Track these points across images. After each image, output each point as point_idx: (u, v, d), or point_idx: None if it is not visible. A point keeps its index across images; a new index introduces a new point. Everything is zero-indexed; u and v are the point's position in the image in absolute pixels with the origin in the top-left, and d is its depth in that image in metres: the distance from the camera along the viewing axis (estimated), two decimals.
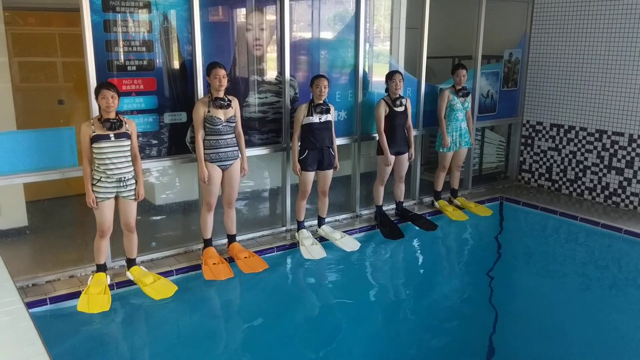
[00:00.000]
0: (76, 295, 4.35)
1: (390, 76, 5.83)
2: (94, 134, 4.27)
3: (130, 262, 4.70)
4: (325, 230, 5.71)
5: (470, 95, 6.49)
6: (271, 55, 5.57)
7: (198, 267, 4.95)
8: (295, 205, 5.64)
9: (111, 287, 4.51)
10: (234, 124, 4.91)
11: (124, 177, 4.39)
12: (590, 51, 6.84)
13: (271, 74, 5.61)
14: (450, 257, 6.23)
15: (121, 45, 4.68)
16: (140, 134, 4.83)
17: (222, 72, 4.74)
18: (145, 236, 5.04)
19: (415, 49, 6.64)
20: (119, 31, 4.64)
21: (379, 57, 6.61)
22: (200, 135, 4.82)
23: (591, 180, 7.04)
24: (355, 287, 5.29)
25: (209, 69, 4.80)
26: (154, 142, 4.98)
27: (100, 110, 4.33)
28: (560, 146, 7.31)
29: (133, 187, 4.47)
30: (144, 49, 4.79)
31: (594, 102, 6.88)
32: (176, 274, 4.87)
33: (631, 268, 5.58)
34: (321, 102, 5.32)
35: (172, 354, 4.07)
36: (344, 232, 5.78)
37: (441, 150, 6.47)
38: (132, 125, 4.50)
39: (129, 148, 4.41)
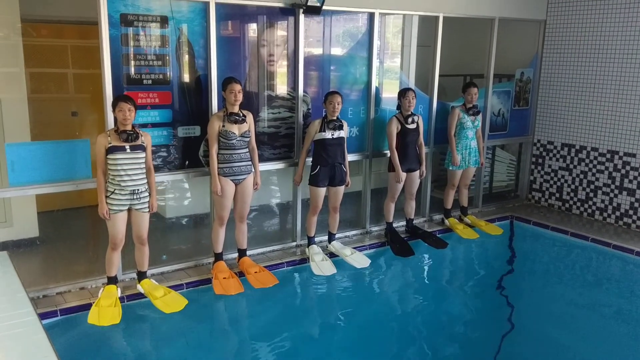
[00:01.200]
0: (87, 307, 4.34)
1: (404, 93, 5.85)
2: (109, 145, 4.30)
3: (141, 275, 4.70)
4: (335, 246, 5.70)
5: (480, 113, 6.50)
6: (285, 70, 5.61)
7: (208, 281, 4.94)
8: (306, 221, 5.63)
9: (122, 299, 4.51)
10: (248, 139, 4.93)
11: (138, 190, 4.40)
12: (602, 72, 6.85)
13: (284, 89, 5.64)
14: (460, 275, 6.19)
15: (138, 59, 4.72)
16: (154, 147, 4.84)
17: (237, 87, 4.77)
18: (156, 249, 5.03)
19: (427, 66, 6.67)
20: (135, 45, 4.69)
21: (391, 74, 6.65)
22: (214, 149, 4.84)
23: (602, 201, 7.01)
24: (365, 303, 5.26)
25: (225, 83, 4.84)
26: (168, 155, 5.00)
27: (116, 122, 4.36)
28: (571, 166, 7.30)
29: (146, 199, 4.49)
30: (160, 62, 4.83)
31: (606, 123, 6.87)
32: (186, 288, 4.86)
33: None
34: (334, 118, 5.34)
35: None
36: (354, 248, 5.77)
37: (450, 168, 6.47)
38: (148, 137, 4.53)
39: (143, 160, 4.43)
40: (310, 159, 5.46)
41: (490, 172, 7.76)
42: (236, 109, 4.83)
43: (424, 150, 6.14)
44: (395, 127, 5.83)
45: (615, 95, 6.75)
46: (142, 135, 4.44)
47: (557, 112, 7.37)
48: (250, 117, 4.96)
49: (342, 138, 5.43)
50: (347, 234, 6.21)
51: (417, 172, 6.04)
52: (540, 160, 7.65)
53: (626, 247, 6.05)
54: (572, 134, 7.25)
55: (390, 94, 6.39)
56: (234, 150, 4.86)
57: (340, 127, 5.38)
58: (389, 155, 5.99)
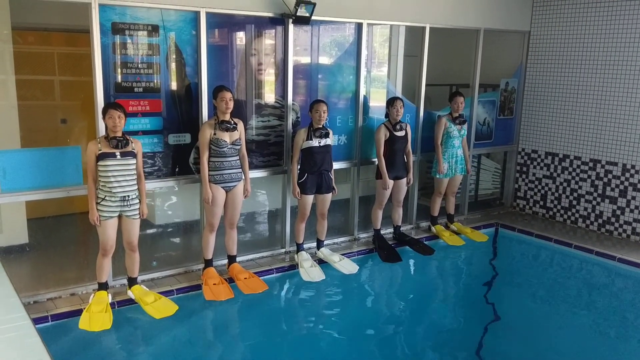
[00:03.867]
0: (77, 313, 4.37)
1: (392, 102, 5.96)
2: (100, 151, 4.34)
3: (132, 281, 4.73)
4: (324, 252, 5.77)
5: (466, 122, 6.63)
6: (274, 79, 5.69)
7: (198, 287, 4.98)
8: (295, 228, 5.70)
9: (112, 305, 4.53)
10: (239, 147, 5.00)
11: (128, 196, 4.45)
12: (584, 82, 7.02)
13: (273, 97, 5.72)
14: (446, 281, 6.28)
15: (128, 67, 4.78)
16: (145, 154, 4.89)
17: (228, 95, 4.84)
18: (146, 255, 5.07)
19: (413, 75, 6.79)
20: (126, 53, 4.75)
21: (378, 83, 6.75)
22: (205, 156, 4.89)
23: (585, 209, 7.15)
24: (353, 309, 5.33)
25: (216, 91, 4.90)
26: (158, 162, 5.05)
27: (106, 129, 4.41)
28: (555, 174, 7.44)
29: (137, 206, 4.53)
30: (150, 71, 4.89)
31: (589, 132, 7.03)
32: (177, 294, 4.90)
33: (624, 295, 5.65)
34: (320, 126, 5.43)
35: None
36: (343, 254, 5.84)
37: (437, 176, 6.58)
38: (138, 144, 4.58)
39: (134, 167, 4.48)
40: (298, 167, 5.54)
41: (476, 180, 7.88)
42: (227, 117, 4.90)
43: (412, 158, 6.24)
44: (383, 135, 5.93)
45: (597, 105, 6.92)
46: (132, 142, 4.49)
47: (541, 122, 7.53)
48: (241, 125, 5.03)
49: (329, 146, 5.52)
50: (336, 240, 6.28)
51: (405, 180, 6.14)
52: (524, 169, 7.79)
53: (608, 254, 6.19)
54: (555, 143, 7.40)
55: (377, 103, 6.50)
56: (225, 158, 4.93)
57: (327, 135, 5.47)
58: (376, 162, 6.08)
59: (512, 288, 6.06)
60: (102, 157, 4.33)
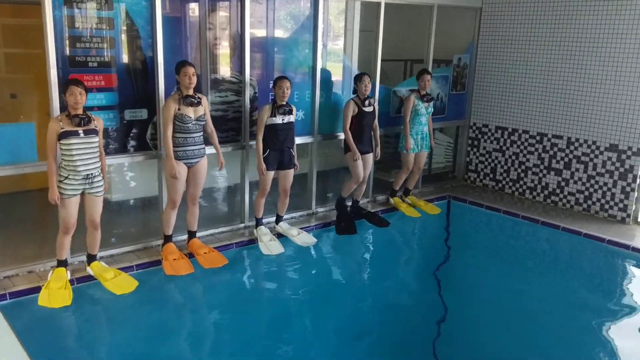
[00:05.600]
0: (36, 290, 4.35)
1: (360, 77, 6.03)
2: (62, 130, 4.26)
3: (91, 258, 4.72)
4: (282, 227, 5.87)
5: (433, 100, 6.77)
6: (231, 53, 5.67)
7: (158, 262, 5.01)
8: (254, 203, 5.76)
9: (71, 282, 4.52)
10: (203, 122, 4.99)
11: (92, 174, 4.41)
12: (533, 58, 7.27)
13: (231, 72, 5.71)
14: (400, 251, 6.48)
15: (82, 41, 4.68)
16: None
17: (191, 70, 4.81)
18: (104, 232, 5.03)
19: (369, 51, 6.87)
20: (80, 27, 4.65)
21: (334, 58, 6.81)
22: (169, 131, 4.85)
23: (532, 181, 7.48)
24: (311, 280, 5.46)
25: (178, 67, 4.86)
26: (115, 138, 5.00)
27: (67, 106, 4.32)
28: (504, 148, 7.72)
29: (100, 183, 4.50)
30: (104, 45, 4.81)
31: (536, 107, 7.31)
32: (136, 269, 4.92)
33: (567, 261, 5.98)
34: (284, 103, 5.47)
35: (133, 348, 4.13)
36: (301, 228, 5.96)
37: (404, 152, 6.70)
38: (100, 122, 4.53)
39: (97, 145, 4.43)
40: None
41: (430, 154, 8.08)
42: (191, 92, 4.87)
43: (378, 132, 6.35)
44: (351, 110, 6.01)
45: (545, 81, 7.18)
46: (94, 120, 4.43)
47: (492, 97, 7.76)
48: (204, 100, 5.01)
49: (292, 122, 5.57)
50: (294, 215, 6.38)
51: (372, 155, 6.27)
52: (476, 143, 8.05)
53: (553, 224, 6.52)
54: (505, 118, 7.66)
55: (334, 77, 6.57)
56: (189, 134, 4.92)
57: (290, 112, 5.52)
58: (341, 137, 6.16)
59: (464, 256, 6.30)
60: (64, 135, 4.25)
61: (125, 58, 4.97)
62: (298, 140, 6.11)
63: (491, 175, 7.91)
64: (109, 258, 5.05)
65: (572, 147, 7.03)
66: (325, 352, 4.40)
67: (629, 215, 6.64)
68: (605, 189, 6.80)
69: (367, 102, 6.02)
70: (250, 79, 5.73)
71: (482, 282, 5.66)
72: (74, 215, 4.42)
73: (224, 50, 5.67)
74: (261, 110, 5.50)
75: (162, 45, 5.06)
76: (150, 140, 5.18)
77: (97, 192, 4.48)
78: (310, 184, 6.53)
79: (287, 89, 5.43)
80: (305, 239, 5.77)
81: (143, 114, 5.12)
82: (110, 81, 4.90)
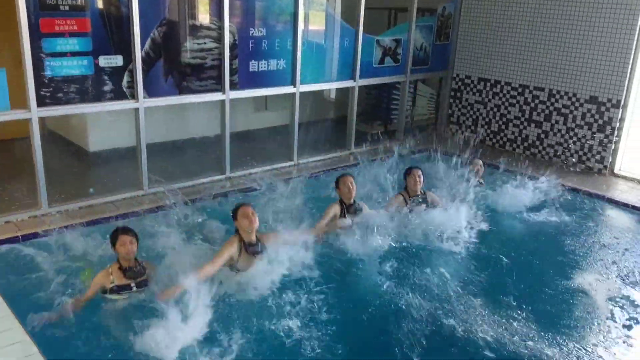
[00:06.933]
0: (14, 240, 4.31)
1: (409, 171, 5.24)
2: (112, 285, 3.71)
3: None
4: None
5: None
6: None
7: (137, 213, 4.95)
8: None
9: None
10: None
11: None
12: (518, 9, 7.16)
13: (209, 18, 5.52)
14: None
15: None
16: (74, 77, 4.70)
17: (249, 209, 4.03)
18: (81, 183, 4.95)
19: None
20: None
21: (317, 6, 6.61)
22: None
23: (512, 133, 7.50)
24: None
25: (234, 211, 4.06)
26: (89, 86, 4.84)
27: (118, 257, 3.75)
28: (486, 99, 7.70)
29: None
30: None
31: (519, 58, 7.26)
32: (116, 220, 4.85)
33: (545, 208, 6.01)
34: (352, 202, 4.78)
35: None
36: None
37: None
38: (152, 269, 3.90)
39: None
40: None
41: (412, 106, 8.04)
42: (253, 237, 4.05)
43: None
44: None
45: (528, 33, 7.11)
46: (146, 269, 3.85)
47: (475, 48, 7.68)
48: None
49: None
50: (275, 166, 6.34)
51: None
52: (458, 94, 8.00)
53: (532, 175, 6.57)
54: (488, 69, 7.60)
55: (317, 27, 6.41)
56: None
57: (361, 210, 4.81)
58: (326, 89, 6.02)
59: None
60: (114, 290, 3.71)
61: (98, 1, 4.76)
62: (278, 90, 6.00)
63: (473, 127, 7.91)
64: (88, 209, 4.97)
65: (552, 100, 7.03)
66: None
67: (605, 167, 6.73)
68: (583, 140, 6.85)
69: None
70: (230, 26, 5.55)
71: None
72: None
73: None
74: (329, 207, 4.78)
75: None
76: (127, 88, 5.03)
77: None
78: (292, 136, 6.46)
79: (352, 185, 4.74)
80: None
81: (118, 60, 4.96)
82: (84, 26, 4.71)
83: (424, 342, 3.58)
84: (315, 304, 3.83)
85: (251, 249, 3.98)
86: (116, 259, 3.75)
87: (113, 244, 3.73)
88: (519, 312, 4.01)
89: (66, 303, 3.53)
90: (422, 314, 3.86)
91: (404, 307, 3.94)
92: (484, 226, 5.04)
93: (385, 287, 4.16)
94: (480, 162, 6.20)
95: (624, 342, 3.80)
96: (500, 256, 4.80)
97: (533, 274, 4.68)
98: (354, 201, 4.81)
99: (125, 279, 3.71)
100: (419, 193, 5.20)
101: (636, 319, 4.06)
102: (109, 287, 3.69)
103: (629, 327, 3.95)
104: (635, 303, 4.26)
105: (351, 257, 4.49)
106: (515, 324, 3.85)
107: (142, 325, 3.33)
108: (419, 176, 5.19)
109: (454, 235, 4.84)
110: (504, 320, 3.88)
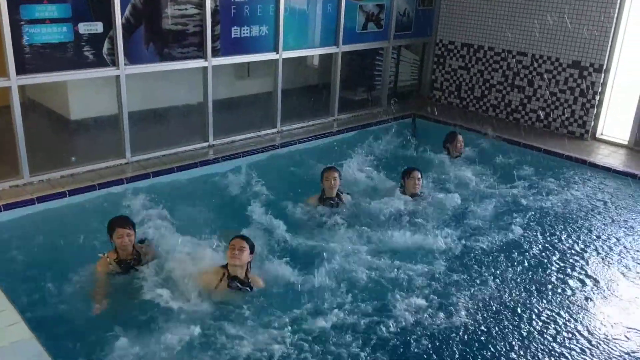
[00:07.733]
0: None
1: (409, 173, 5.24)
2: (111, 272, 3.83)
3: None
4: None
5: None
6: None
7: (121, 181, 4.95)
8: None
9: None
10: None
11: None
12: None
13: None
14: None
15: None
16: (54, 45, 4.63)
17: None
18: (64, 151, 4.93)
19: None
20: None
21: None
22: None
23: (496, 98, 7.53)
24: None
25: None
26: (69, 53, 4.77)
27: (115, 247, 3.83)
28: (469, 65, 7.70)
29: None
30: None
31: (502, 23, 7.24)
32: (99, 189, 4.86)
33: (526, 173, 6.08)
34: (332, 195, 4.95)
35: None
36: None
37: None
38: (152, 252, 4.02)
39: None
40: None
41: (395, 72, 8.02)
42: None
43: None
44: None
45: None
46: (144, 254, 3.94)
47: (459, 13, 7.64)
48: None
49: None
50: (259, 133, 6.33)
51: None
52: (441, 60, 7.99)
53: (514, 140, 6.65)
54: (471, 34, 7.59)
55: None
56: None
57: (337, 206, 4.95)
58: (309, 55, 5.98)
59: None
60: (114, 275, 3.83)
61: None
62: (261, 57, 5.95)
63: (456, 93, 7.93)
64: (70, 177, 4.95)
65: (535, 64, 7.06)
66: None
67: (587, 132, 6.82)
68: (565, 105, 6.91)
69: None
70: None
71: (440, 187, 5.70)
72: None
73: None
74: (307, 199, 5.01)
75: None
76: (107, 56, 4.97)
77: None
78: (275, 103, 6.44)
79: (335, 180, 4.90)
80: None
81: (98, 27, 4.88)
82: None
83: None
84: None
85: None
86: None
87: (110, 234, 3.78)
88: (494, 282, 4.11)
89: (95, 309, 3.58)
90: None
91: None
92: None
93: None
94: (460, 137, 6.24)
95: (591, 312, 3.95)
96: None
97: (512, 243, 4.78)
98: (338, 194, 4.95)
99: (121, 269, 3.81)
100: (418, 194, 5.19)
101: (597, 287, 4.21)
102: (109, 272, 3.79)
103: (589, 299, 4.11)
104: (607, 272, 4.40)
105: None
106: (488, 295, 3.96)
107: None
108: (418, 179, 5.16)
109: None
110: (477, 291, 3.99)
